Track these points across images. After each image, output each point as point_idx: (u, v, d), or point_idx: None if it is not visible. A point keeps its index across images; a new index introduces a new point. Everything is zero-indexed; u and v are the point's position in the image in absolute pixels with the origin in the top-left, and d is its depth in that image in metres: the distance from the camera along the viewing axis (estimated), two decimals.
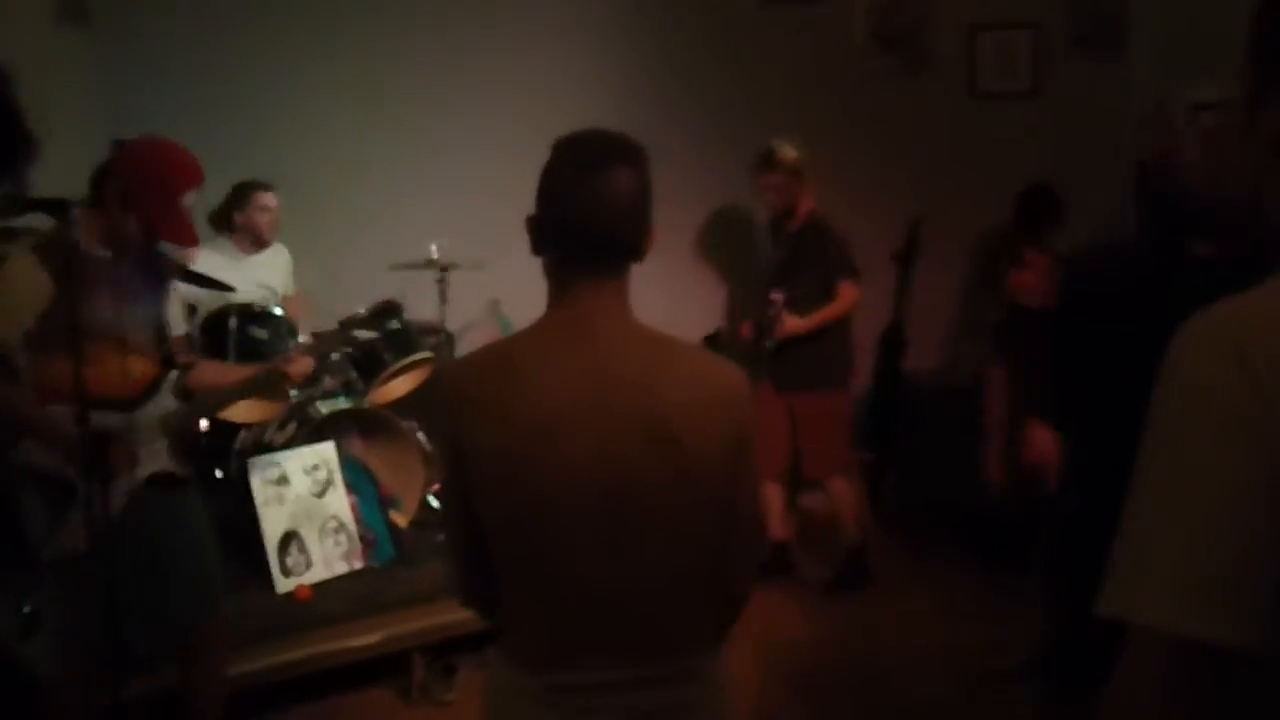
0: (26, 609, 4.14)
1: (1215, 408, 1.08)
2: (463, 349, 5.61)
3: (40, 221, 3.11)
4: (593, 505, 1.80)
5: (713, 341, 6.04)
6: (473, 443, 1.85)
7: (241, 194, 5.37)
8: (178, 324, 3.44)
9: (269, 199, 5.41)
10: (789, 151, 5.18)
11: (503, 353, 1.94)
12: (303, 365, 3.75)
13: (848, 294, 5.15)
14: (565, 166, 1.87)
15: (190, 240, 3.20)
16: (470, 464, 1.86)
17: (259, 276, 5.33)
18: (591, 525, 1.81)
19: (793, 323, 5.09)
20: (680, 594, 1.88)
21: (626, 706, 1.86)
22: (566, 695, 1.85)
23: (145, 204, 3.09)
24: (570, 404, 1.80)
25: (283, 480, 4.65)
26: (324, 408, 4.95)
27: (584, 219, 1.84)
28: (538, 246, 1.91)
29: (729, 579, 1.97)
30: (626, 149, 1.87)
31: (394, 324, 5.13)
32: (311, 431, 4.85)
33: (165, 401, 3.27)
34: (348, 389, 5.15)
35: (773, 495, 5.36)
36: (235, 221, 5.36)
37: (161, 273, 3.34)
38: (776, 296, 5.11)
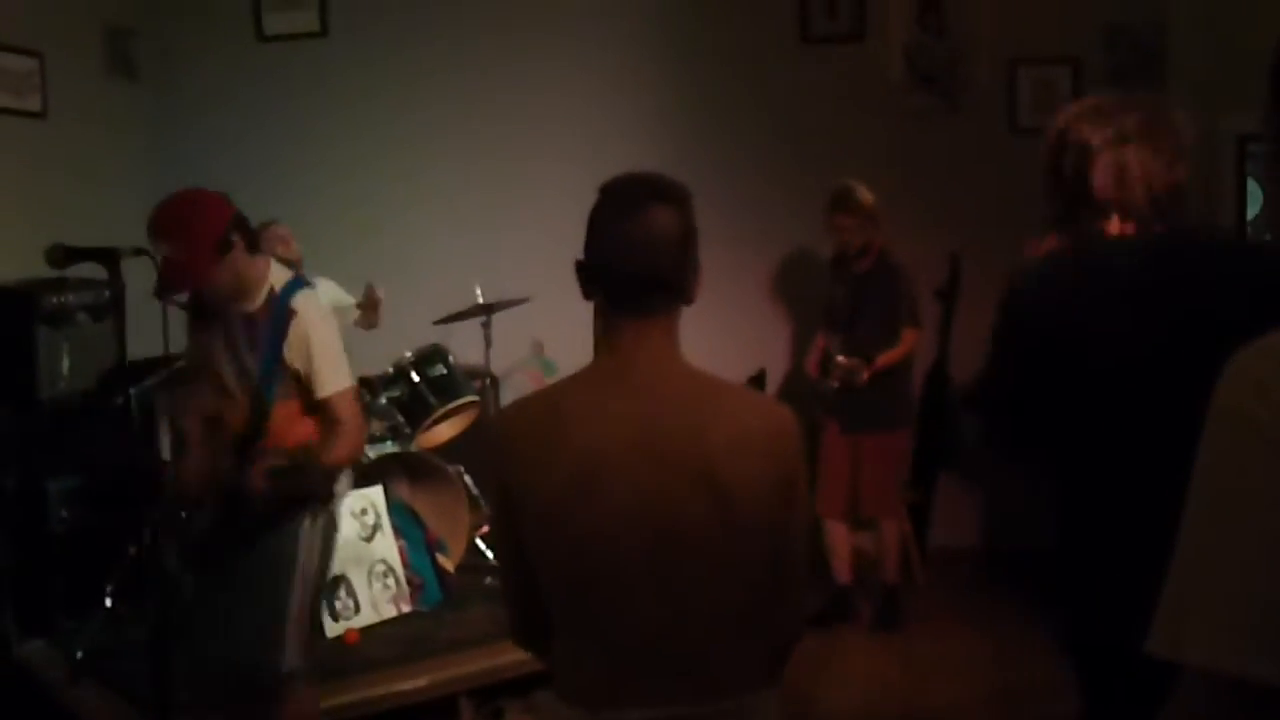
0: (79, 654, 4.21)
1: (1260, 442, 1.06)
2: (507, 392, 5.64)
3: (90, 271, 3.17)
4: (639, 547, 1.81)
5: (757, 383, 6.04)
6: (522, 488, 1.88)
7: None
8: (327, 381, 3.27)
9: (280, 230, 5.41)
10: (866, 194, 5.19)
11: (550, 398, 1.96)
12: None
13: (909, 340, 5.17)
14: (606, 209, 1.90)
15: (160, 291, 3.10)
16: (520, 508, 1.89)
17: None
18: (638, 567, 1.82)
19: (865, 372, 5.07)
20: (729, 633, 1.88)
21: None
22: None
23: None
24: (615, 447, 1.81)
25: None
26: (371, 452, 4.98)
27: (623, 260, 1.86)
28: (586, 290, 1.93)
29: (779, 618, 1.97)
30: (666, 190, 1.89)
31: (439, 368, 5.17)
32: (359, 476, 4.87)
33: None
34: (394, 433, 5.18)
35: (838, 535, 5.36)
36: None
37: (270, 323, 3.28)
38: (842, 358, 5.10)
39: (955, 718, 4.47)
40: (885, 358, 5.10)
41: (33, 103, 5.36)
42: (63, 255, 2.87)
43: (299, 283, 3.35)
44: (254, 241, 3.32)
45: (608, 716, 1.86)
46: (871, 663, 5.00)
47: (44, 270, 3.09)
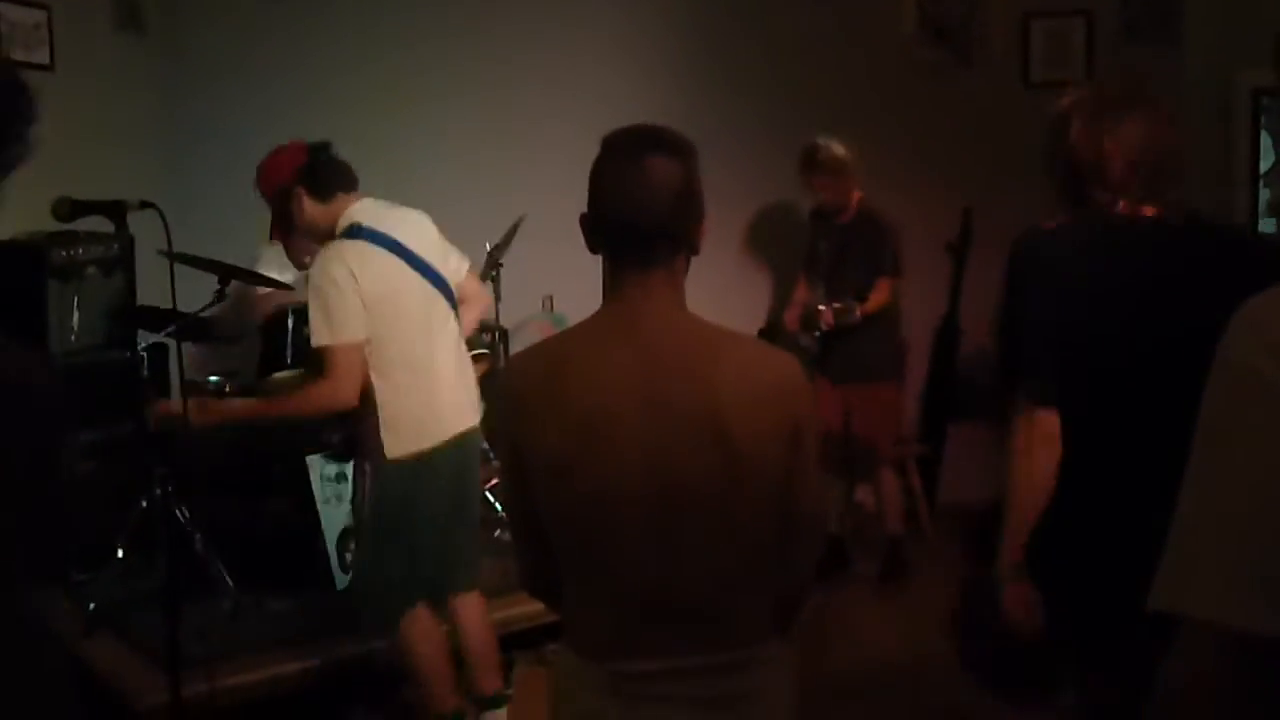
0: (91, 606, 4.24)
1: (1263, 398, 1.06)
2: (517, 347, 5.63)
3: (99, 225, 3.17)
4: (646, 499, 1.81)
5: (765, 336, 6.04)
6: (529, 440, 1.89)
7: None
8: (313, 332, 3.35)
9: None
10: (833, 149, 5.15)
11: (557, 349, 1.97)
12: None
13: (883, 290, 5.16)
14: (607, 160, 1.89)
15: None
16: (528, 460, 1.90)
17: None
18: (645, 518, 1.82)
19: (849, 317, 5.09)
20: (737, 585, 1.89)
21: (686, 693, 1.88)
22: (628, 682, 1.88)
23: None
24: (621, 399, 1.82)
25: (341, 478, 4.68)
26: None
27: (624, 211, 1.86)
28: (590, 242, 1.93)
29: (788, 570, 1.98)
30: (667, 141, 1.88)
31: None
32: None
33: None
34: None
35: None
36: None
37: None
38: (824, 307, 5.11)
39: (956, 672, 4.47)
40: (870, 302, 5.11)
41: (40, 55, 5.33)
42: (69, 208, 2.89)
43: (348, 231, 3.44)
44: (322, 189, 3.46)
45: (617, 668, 1.88)
46: (880, 619, 5.02)
47: (52, 224, 3.09)
